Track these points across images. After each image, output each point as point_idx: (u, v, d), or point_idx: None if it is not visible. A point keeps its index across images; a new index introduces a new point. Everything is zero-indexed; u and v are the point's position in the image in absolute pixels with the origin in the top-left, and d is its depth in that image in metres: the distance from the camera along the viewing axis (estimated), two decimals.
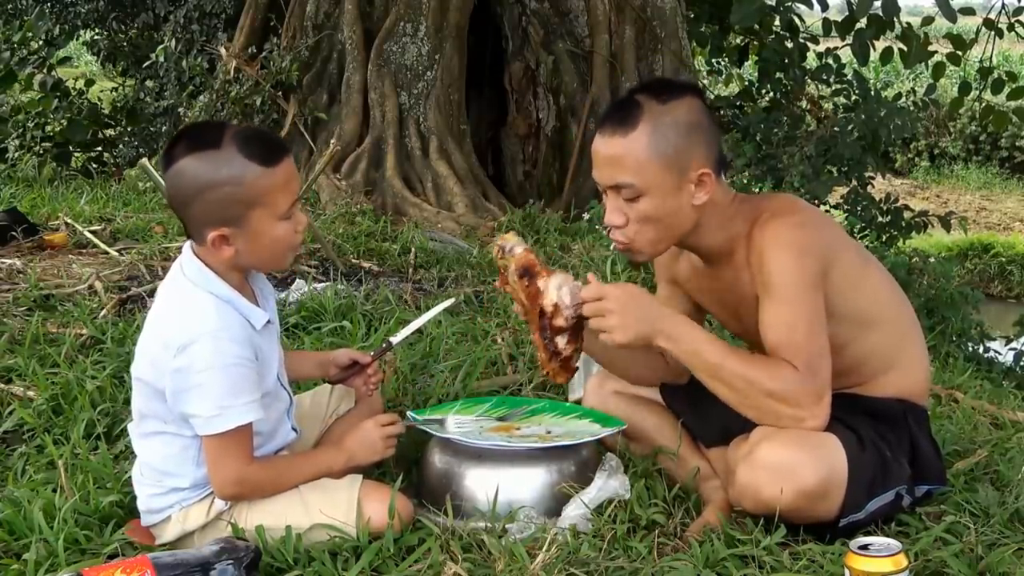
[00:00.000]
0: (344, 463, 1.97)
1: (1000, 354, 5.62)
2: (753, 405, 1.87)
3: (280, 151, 1.86)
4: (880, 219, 6.58)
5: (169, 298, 1.91)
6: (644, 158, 1.89)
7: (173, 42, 7.54)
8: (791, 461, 1.82)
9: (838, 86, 7.14)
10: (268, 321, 1.94)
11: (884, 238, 6.49)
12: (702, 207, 1.95)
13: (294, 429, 2.06)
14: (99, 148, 8.41)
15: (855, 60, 6.53)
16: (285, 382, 2.03)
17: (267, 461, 1.92)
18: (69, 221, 4.49)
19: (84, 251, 4.17)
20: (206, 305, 1.84)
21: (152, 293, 3.44)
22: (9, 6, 8.74)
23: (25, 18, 8.39)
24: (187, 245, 1.91)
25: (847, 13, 6.49)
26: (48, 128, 7.81)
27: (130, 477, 2.11)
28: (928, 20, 6.81)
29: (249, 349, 1.85)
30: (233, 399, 1.81)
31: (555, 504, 2.02)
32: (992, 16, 6.95)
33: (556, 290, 1.93)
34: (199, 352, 1.79)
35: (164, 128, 8.01)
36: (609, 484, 2.03)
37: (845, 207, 6.56)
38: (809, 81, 7.37)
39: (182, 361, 1.79)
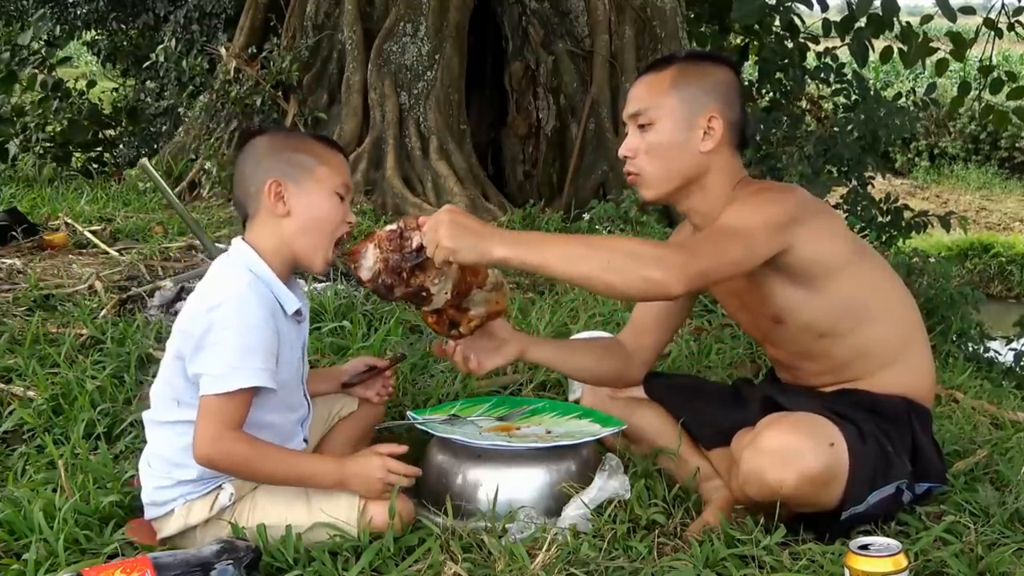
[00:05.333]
0: (334, 486, 1.92)
1: (1000, 354, 5.61)
2: (616, 268, 1.77)
3: (340, 148, 2.06)
4: (880, 219, 6.58)
5: (209, 274, 1.97)
6: (663, 90, 2.04)
7: (173, 42, 7.54)
8: (795, 446, 1.84)
9: (838, 86, 7.13)
10: (299, 312, 1.96)
11: (884, 238, 6.49)
12: (709, 160, 2.03)
13: (305, 440, 2.06)
14: (99, 148, 8.41)
15: (855, 60, 6.53)
16: (307, 392, 2.05)
17: (253, 440, 1.87)
18: (69, 221, 4.49)
19: (84, 251, 4.18)
20: (241, 276, 1.90)
21: (152, 293, 3.45)
22: (11, 7, 8.74)
23: (26, 18, 8.39)
24: (237, 238, 1.98)
25: (847, 13, 6.49)
26: (49, 128, 7.81)
27: (130, 477, 2.12)
28: (927, 19, 6.81)
29: (272, 321, 1.88)
30: (244, 361, 1.82)
31: (555, 504, 2.02)
32: (992, 16, 6.95)
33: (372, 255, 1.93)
34: (223, 312, 1.84)
35: (164, 128, 8.01)
36: (609, 484, 2.02)
37: (845, 207, 6.56)
38: (809, 81, 7.36)
39: (207, 321, 1.84)
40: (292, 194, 1.93)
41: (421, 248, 1.86)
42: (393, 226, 1.92)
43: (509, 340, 2.13)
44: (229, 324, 1.83)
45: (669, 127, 2.03)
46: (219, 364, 1.82)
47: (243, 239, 1.97)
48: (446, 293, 1.94)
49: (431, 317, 2.03)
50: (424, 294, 1.92)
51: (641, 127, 2.05)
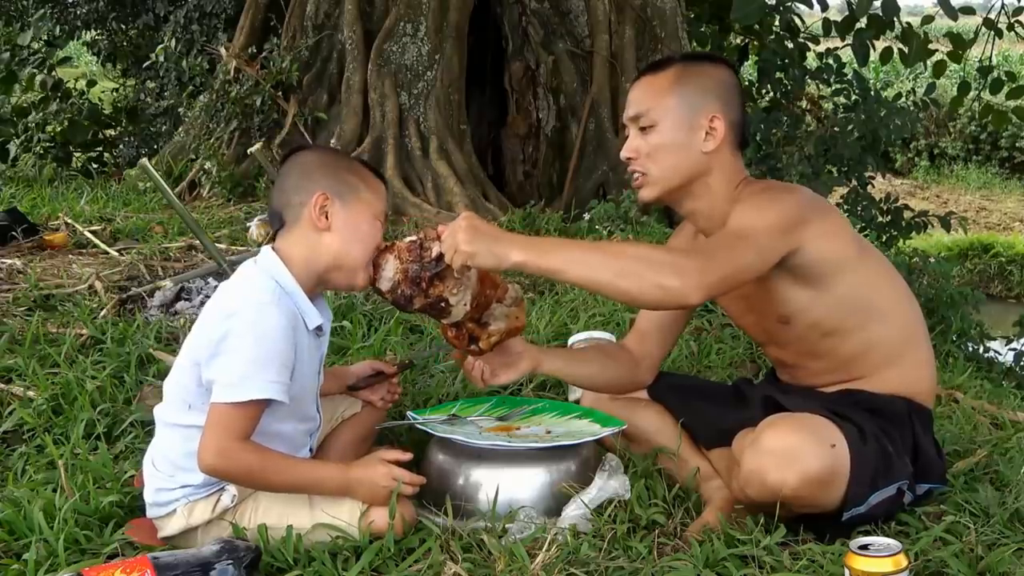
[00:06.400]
0: (338, 493, 1.92)
1: (1000, 354, 5.61)
2: (632, 274, 1.78)
3: (384, 179, 2.09)
4: (880, 219, 6.58)
5: (233, 279, 1.96)
6: (664, 92, 2.04)
7: (173, 42, 7.55)
8: (796, 446, 1.83)
9: (838, 86, 7.13)
10: (320, 328, 1.96)
11: (884, 238, 6.49)
12: (711, 160, 2.03)
13: (310, 450, 2.06)
14: (99, 148, 8.42)
15: (855, 60, 6.53)
16: (319, 405, 2.05)
17: (259, 449, 1.86)
18: (69, 221, 4.49)
19: (84, 251, 4.18)
20: (264, 284, 1.89)
21: (152, 293, 3.45)
22: (11, 7, 8.74)
23: (26, 18, 8.39)
24: (267, 246, 1.97)
25: (847, 13, 6.49)
26: (49, 128, 7.81)
27: (130, 477, 2.12)
28: (928, 19, 6.81)
29: (291, 334, 1.86)
30: (257, 372, 1.81)
31: (555, 504, 2.02)
32: (992, 16, 6.95)
33: (392, 266, 1.94)
34: (243, 317, 1.83)
35: (164, 128, 8.02)
36: (609, 484, 2.03)
37: (845, 207, 6.56)
38: (809, 81, 7.36)
39: (224, 328, 1.83)
40: (336, 210, 1.93)
41: (440, 257, 1.86)
42: (413, 237, 1.92)
43: (523, 354, 2.13)
44: (246, 332, 1.82)
45: (671, 128, 2.03)
46: (232, 372, 1.81)
47: (272, 248, 1.96)
48: (465, 304, 1.93)
49: (451, 331, 2.01)
50: (443, 305, 1.92)
51: (642, 129, 2.05)
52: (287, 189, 1.97)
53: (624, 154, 2.08)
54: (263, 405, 1.84)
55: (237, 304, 1.86)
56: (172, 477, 1.91)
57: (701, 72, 2.07)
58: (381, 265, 1.94)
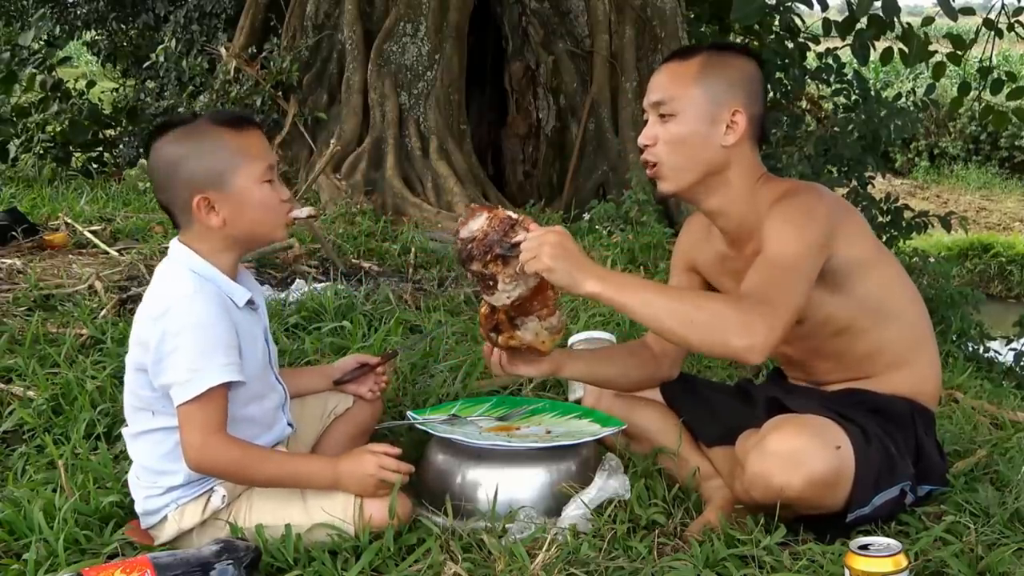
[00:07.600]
0: (328, 486, 1.91)
1: (1000, 354, 5.62)
2: (699, 325, 1.79)
3: (249, 121, 1.96)
4: (880, 219, 6.59)
5: (152, 283, 1.94)
6: (688, 81, 2.00)
7: (173, 42, 7.55)
8: (802, 449, 1.83)
9: (838, 86, 7.14)
10: (251, 301, 1.94)
11: (884, 238, 6.50)
12: (731, 154, 2.00)
13: (290, 424, 2.05)
14: (99, 148, 8.41)
15: (855, 60, 6.53)
16: (278, 375, 2.04)
17: (242, 444, 1.86)
18: (69, 221, 4.48)
19: (84, 251, 4.17)
20: (183, 277, 1.87)
21: None
22: (11, 7, 8.74)
23: (26, 18, 8.39)
24: (174, 240, 1.95)
25: (847, 13, 6.49)
26: (49, 128, 7.80)
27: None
28: (928, 20, 6.81)
29: (226, 315, 1.86)
30: (205, 361, 1.80)
31: (555, 504, 2.02)
32: (992, 16, 6.95)
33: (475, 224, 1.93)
34: (173, 315, 1.82)
35: None
36: (609, 484, 2.02)
37: None
38: (809, 81, 7.36)
39: (159, 330, 1.82)
40: (221, 200, 1.87)
41: (517, 245, 1.87)
42: (513, 214, 1.93)
43: (545, 355, 2.13)
44: (181, 328, 1.81)
45: (692, 119, 1.99)
46: (182, 371, 1.80)
47: (180, 240, 1.93)
48: (508, 297, 1.93)
49: (485, 308, 2.02)
50: (491, 283, 1.92)
51: (662, 116, 2.01)
52: (162, 189, 1.92)
53: (641, 141, 2.04)
54: (224, 390, 1.83)
55: (164, 303, 1.84)
56: (155, 483, 1.91)
57: (727, 63, 2.03)
58: (474, 216, 1.94)
